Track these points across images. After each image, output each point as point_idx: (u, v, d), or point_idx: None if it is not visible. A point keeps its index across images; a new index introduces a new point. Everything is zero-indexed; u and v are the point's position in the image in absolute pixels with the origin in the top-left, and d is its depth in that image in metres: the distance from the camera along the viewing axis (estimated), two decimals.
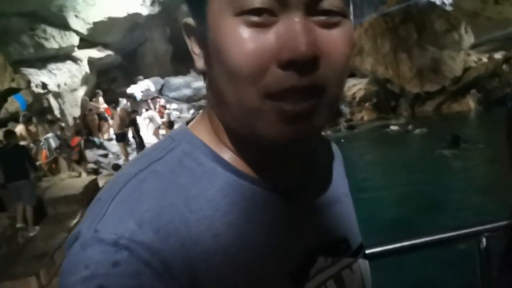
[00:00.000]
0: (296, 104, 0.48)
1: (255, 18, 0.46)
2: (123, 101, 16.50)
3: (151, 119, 14.55)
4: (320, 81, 0.48)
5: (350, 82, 17.63)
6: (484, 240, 1.40)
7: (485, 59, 16.61)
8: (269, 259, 0.53)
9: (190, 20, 0.55)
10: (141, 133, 13.35)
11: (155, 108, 15.86)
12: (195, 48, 0.56)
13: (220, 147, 0.56)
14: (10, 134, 7.64)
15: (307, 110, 0.48)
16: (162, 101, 16.67)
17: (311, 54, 0.46)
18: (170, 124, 14.28)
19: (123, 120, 12.68)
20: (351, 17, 0.52)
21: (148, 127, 14.25)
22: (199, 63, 0.55)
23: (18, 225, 6.54)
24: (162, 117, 15.11)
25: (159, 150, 0.55)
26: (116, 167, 11.60)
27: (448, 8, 19.08)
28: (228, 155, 0.56)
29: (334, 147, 0.75)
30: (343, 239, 0.64)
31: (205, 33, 0.51)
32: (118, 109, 14.02)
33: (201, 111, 0.62)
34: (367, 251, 1.40)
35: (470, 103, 16.19)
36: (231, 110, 0.51)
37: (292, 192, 0.58)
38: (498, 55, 16.65)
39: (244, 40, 0.46)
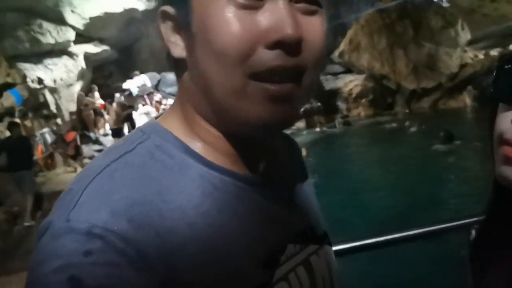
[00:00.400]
0: (280, 85, 0.49)
1: (243, 0, 0.48)
2: (119, 96, 16.46)
3: (147, 114, 14.52)
4: (302, 64, 0.51)
5: (347, 78, 17.67)
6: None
7: (481, 56, 16.67)
8: (241, 247, 0.53)
9: (168, 8, 0.55)
10: None
11: (151, 104, 15.82)
12: (171, 36, 0.56)
13: (192, 139, 0.57)
14: (14, 125, 7.93)
15: (289, 91, 0.50)
16: (157, 96, 16.62)
17: (297, 35, 0.48)
18: None
19: (119, 115, 12.66)
20: (324, 7, 0.54)
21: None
22: (176, 50, 0.56)
23: (26, 223, 6.62)
24: (158, 112, 15.09)
25: (130, 143, 0.55)
26: None
27: (445, 4, 19.10)
28: (199, 147, 0.56)
29: (294, 141, 0.78)
30: (309, 227, 0.66)
31: (188, 18, 0.52)
32: (114, 104, 13.98)
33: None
34: (359, 243, 1.42)
35: (466, 99, 16.26)
36: (214, 93, 0.52)
37: (261, 183, 0.59)
38: (494, 52, 16.69)
39: (232, 21, 0.48)
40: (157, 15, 0.56)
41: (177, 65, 0.58)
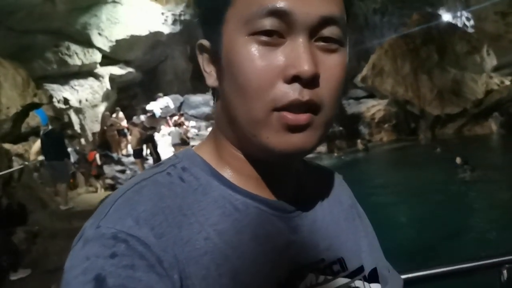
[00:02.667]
0: (297, 115, 0.53)
1: (265, 38, 0.53)
2: (141, 117, 16.69)
3: (170, 134, 14.68)
4: (318, 98, 0.54)
5: (369, 103, 17.56)
6: (505, 272, 1.33)
7: (507, 82, 16.37)
8: (257, 268, 0.56)
9: (204, 41, 0.61)
10: (159, 150, 13.44)
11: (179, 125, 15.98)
12: (206, 67, 0.62)
13: (220, 164, 0.62)
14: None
15: (305, 121, 0.54)
16: (180, 118, 16.73)
17: (312, 71, 0.52)
18: (183, 142, 14.46)
19: (139, 137, 12.81)
20: (347, 47, 0.58)
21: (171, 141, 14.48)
22: (210, 80, 0.61)
23: (63, 207, 7.71)
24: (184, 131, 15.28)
25: (163, 165, 0.61)
26: None
27: (470, 30, 18.97)
28: (226, 172, 0.61)
29: (337, 175, 0.80)
30: (337, 259, 0.65)
31: (218, 51, 0.57)
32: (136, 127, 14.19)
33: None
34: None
35: (492, 126, 15.93)
36: (239, 122, 0.57)
37: (286, 209, 0.62)
38: None
39: (255, 57, 0.53)
40: (196, 47, 0.63)
41: (213, 94, 0.64)
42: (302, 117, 0.53)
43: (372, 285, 0.69)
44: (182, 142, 13.85)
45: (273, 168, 0.62)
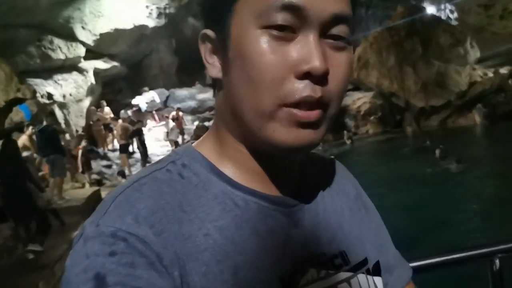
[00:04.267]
0: (308, 112, 0.53)
1: (277, 33, 0.52)
2: (128, 112, 16.55)
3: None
4: (327, 97, 0.55)
5: (355, 95, 17.63)
6: (497, 261, 1.35)
7: (490, 74, 16.57)
8: (258, 264, 0.56)
9: (209, 31, 0.59)
10: (147, 144, 13.35)
11: (159, 119, 15.88)
12: (209, 58, 0.60)
13: (221, 159, 0.62)
14: (50, 114, 9.40)
15: (316, 118, 0.54)
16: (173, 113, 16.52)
17: (324, 68, 0.52)
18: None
19: (126, 131, 12.70)
20: (353, 44, 0.59)
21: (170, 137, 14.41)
22: (213, 71, 0.60)
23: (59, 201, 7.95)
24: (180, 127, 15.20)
25: (162, 162, 0.61)
26: (122, 173, 11.59)
27: (454, 22, 19.16)
28: (227, 167, 0.61)
29: (340, 165, 0.80)
30: (339, 252, 0.65)
31: (226, 42, 0.56)
32: (120, 120, 14.06)
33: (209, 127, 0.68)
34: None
35: (476, 117, 16.10)
36: (245, 114, 0.56)
37: (287, 204, 0.62)
38: (503, 70, 16.61)
39: (267, 51, 0.52)
40: (199, 36, 0.61)
41: (214, 85, 0.63)
42: (313, 114, 0.54)
43: (375, 278, 0.68)
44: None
45: (277, 162, 0.62)
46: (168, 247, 0.51)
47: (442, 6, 20.28)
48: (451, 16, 20.37)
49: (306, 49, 0.52)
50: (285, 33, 0.53)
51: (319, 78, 0.53)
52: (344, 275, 0.63)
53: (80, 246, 0.51)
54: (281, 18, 0.52)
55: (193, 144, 0.65)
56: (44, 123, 8.81)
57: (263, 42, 0.52)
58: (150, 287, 0.48)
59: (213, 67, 0.60)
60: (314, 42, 0.53)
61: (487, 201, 7.93)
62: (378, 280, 0.69)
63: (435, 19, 18.16)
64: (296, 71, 0.52)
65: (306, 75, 0.52)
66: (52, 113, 11.68)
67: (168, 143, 14.87)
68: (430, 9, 20.21)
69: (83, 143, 11.56)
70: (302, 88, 0.52)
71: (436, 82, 16.23)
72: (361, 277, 0.66)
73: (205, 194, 0.57)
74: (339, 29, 0.55)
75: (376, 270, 0.70)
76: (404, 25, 16.72)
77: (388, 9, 20.26)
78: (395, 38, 16.66)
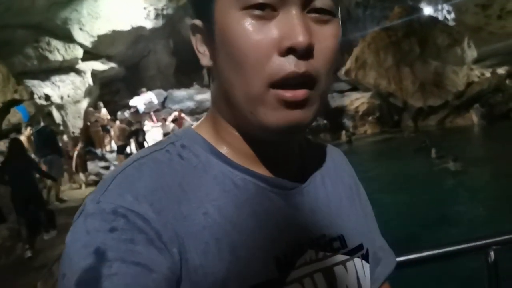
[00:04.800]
0: (295, 91, 0.53)
1: (258, 12, 0.52)
2: (125, 113, 16.51)
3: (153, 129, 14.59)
4: (314, 70, 0.54)
5: (353, 95, 17.65)
6: (492, 253, 1.35)
7: (488, 74, 16.59)
8: (255, 243, 0.56)
9: (197, 21, 0.60)
10: (145, 145, 13.32)
11: (158, 120, 15.85)
12: (200, 47, 0.61)
13: (218, 141, 0.62)
14: (48, 115, 9.58)
15: (303, 97, 0.54)
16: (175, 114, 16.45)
17: (307, 42, 0.52)
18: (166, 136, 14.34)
19: (124, 132, 12.68)
20: (339, 17, 0.58)
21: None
22: (204, 60, 0.61)
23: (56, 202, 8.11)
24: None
25: (162, 143, 0.62)
26: None
27: (451, 23, 19.19)
28: (225, 149, 0.62)
29: (341, 154, 0.81)
30: (338, 236, 0.66)
31: (212, 29, 0.57)
32: (117, 121, 14.03)
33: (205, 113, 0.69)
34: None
35: (474, 117, 16.13)
36: (236, 100, 0.56)
37: (285, 186, 0.63)
38: (501, 70, 16.63)
39: (249, 31, 0.53)
40: (189, 27, 0.62)
41: (209, 74, 0.64)
42: (300, 93, 0.53)
43: (366, 264, 0.70)
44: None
45: (271, 146, 0.62)
46: (167, 225, 0.52)
47: (439, 7, 20.32)
48: (448, 16, 20.41)
49: (287, 25, 0.52)
50: (266, 11, 0.52)
51: (303, 53, 0.52)
52: (340, 257, 0.64)
53: (81, 223, 0.52)
54: None
55: (192, 127, 0.66)
56: (42, 124, 8.94)
57: (245, 23, 0.53)
58: (149, 263, 0.49)
59: (204, 56, 0.61)
60: (296, 17, 0.52)
61: (486, 200, 7.93)
62: (367, 266, 0.70)
63: (432, 19, 18.20)
64: (279, 48, 0.52)
65: (289, 51, 0.52)
66: (50, 114, 11.69)
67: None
68: (427, 10, 20.24)
69: (80, 144, 11.54)
70: (286, 65, 0.52)
71: (434, 82, 16.26)
72: (357, 261, 0.67)
73: (204, 175, 0.58)
74: (322, 2, 0.54)
75: (366, 257, 0.71)
76: (402, 26, 16.76)
77: (385, 10, 20.29)
78: (392, 39, 16.69)
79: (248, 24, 0.53)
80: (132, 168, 0.56)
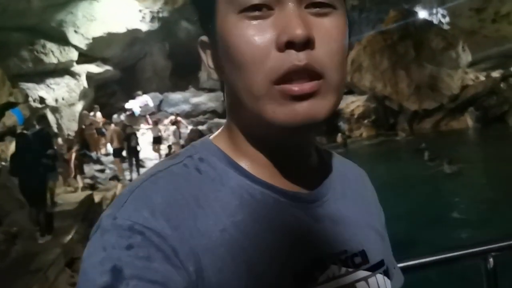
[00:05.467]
0: (301, 84, 0.52)
1: (254, 13, 0.53)
2: (121, 116, 16.48)
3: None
4: (317, 63, 0.52)
5: (349, 99, 17.70)
6: (491, 260, 1.35)
7: (482, 77, 16.71)
8: (274, 259, 0.55)
9: (204, 37, 0.61)
10: (139, 148, 13.25)
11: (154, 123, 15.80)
12: (210, 62, 0.62)
13: (237, 154, 0.61)
14: (42, 117, 9.57)
15: (311, 89, 0.52)
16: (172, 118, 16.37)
17: (305, 33, 0.51)
18: (156, 139, 14.29)
19: (119, 135, 12.62)
20: (342, 8, 0.57)
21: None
22: (214, 74, 0.61)
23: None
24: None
25: (180, 156, 0.61)
26: (116, 178, 11.50)
27: (446, 26, 19.29)
28: (243, 162, 0.60)
29: (363, 173, 0.80)
30: (360, 251, 0.64)
31: (216, 40, 0.57)
32: (112, 124, 13.99)
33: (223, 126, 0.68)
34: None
35: (468, 120, 16.23)
36: (244, 103, 0.56)
37: (305, 199, 0.61)
38: (495, 73, 16.75)
39: (247, 32, 0.53)
40: (198, 45, 0.62)
41: (222, 87, 0.64)
42: (307, 85, 0.52)
43: (388, 281, 0.68)
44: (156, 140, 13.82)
45: (288, 154, 0.61)
46: (183, 241, 0.51)
47: (434, 10, 20.43)
48: (442, 20, 20.51)
49: (283, 20, 0.52)
50: (263, 11, 0.53)
51: (302, 46, 0.51)
52: (362, 273, 0.62)
53: (97, 238, 0.52)
54: None
55: (210, 137, 0.65)
56: (37, 127, 8.86)
57: (242, 25, 0.53)
58: (166, 281, 0.48)
59: (214, 71, 0.61)
60: (291, 11, 0.52)
61: (481, 202, 7.97)
62: (389, 283, 0.68)
63: (427, 23, 18.31)
64: (277, 43, 0.52)
65: (288, 46, 0.51)
66: (44, 117, 11.65)
67: (161, 146, 14.82)
68: (422, 13, 20.34)
69: (76, 147, 11.50)
70: (286, 58, 0.52)
71: (429, 85, 16.34)
72: (379, 277, 0.65)
73: (222, 188, 0.57)
74: None
75: (387, 273, 0.69)
76: (397, 29, 16.84)
77: (381, 13, 20.37)
78: (388, 42, 16.76)
79: (245, 25, 0.53)
80: (149, 183, 0.56)
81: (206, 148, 0.62)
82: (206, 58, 0.62)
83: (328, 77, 0.53)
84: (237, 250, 0.53)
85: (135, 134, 13.23)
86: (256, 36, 0.52)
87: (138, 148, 12.93)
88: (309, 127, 0.56)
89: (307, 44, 0.51)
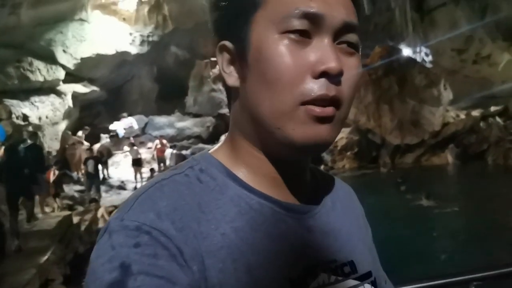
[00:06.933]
0: (324, 108, 0.58)
1: (295, 37, 0.57)
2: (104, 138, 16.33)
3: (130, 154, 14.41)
4: (340, 95, 0.59)
5: None
6: None
7: (463, 116, 17.09)
8: (270, 264, 0.58)
9: (227, 42, 0.64)
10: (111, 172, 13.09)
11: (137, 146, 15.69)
12: (226, 68, 0.65)
13: (236, 165, 0.65)
14: (33, 134, 10.03)
15: (332, 114, 0.58)
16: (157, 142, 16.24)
17: (339, 68, 0.57)
18: (136, 161, 14.12)
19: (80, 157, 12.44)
20: (359, 53, 0.63)
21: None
22: (231, 80, 0.64)
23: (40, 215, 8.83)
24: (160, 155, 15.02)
25: (181, 167, 0.64)
26: (94, 200, 11.27)
27: (428, 65, 19.79)
28: (242, 173, 0.64)
29: (350, 189, 0.85)
30: (349, 261, 0.67)
31: (245, 50, 0.61)
32: (85, 144, 13.87)
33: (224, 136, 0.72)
34: None
35: (448, 157, 16.49)
36: (263, 117, 0.60)
37: (299, 210, 0.65)
38: (475, 113, 17.16)
39: (286, 53, 0.57)
40: (217, 48, 0.65)
41: (229, 94, 0.68)
42: (329, 110, 0.58)
43: None
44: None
45: (290, 167, 0.65)
46: (188, 243, 0.54)
47: (418, 49, 20.99)
48: (426, 58, 21.06)
49: (322, 51, 0.57)
50: (303, 37, 0.58)
51: (334, 78, 0.57)
52: (352, 282, 0.66)
53: (106, 239, 0.54)
54: (299, 24, 0.57)
55: (209, 151, 0.69)
56: (29, 141, 9.05)
57: (283, 45, 0.57)
58: (171, 277, 0.51)
59: (230, 76, 0.64)
60: (329, 45, 0.58)
61: (459, 236, 8.06)
62: None
63: (411, 60, 18.76)
64: (313, 71, 0.57)
65: (322, 75, 0.57)
66: (36, 134, 11.56)
67: (143, 169, 14.70)
68: (406, 51, 20.88)
69: (56, 167, 11.31)
70: (319, 87, 0.57)
71: (411, 120, 16.63)
72: (367, 286, 0.68)
73: (221, 197, 0.60)
74: (349, 36, 0.61)
75: (375, 284, 0.72)
76: (382, 64, 17.21)
77: (366, 48, 20.85)
78: (372, 76, 17.09)
79: (286, 46, 0.57)
80: (154, 189, 0.59)
81: (206, 160, 0.65)
82: (222, 63, 0.65)
83: (343, 109, 0.60)
84: (237, 253, 0.57)
85: (94, 158, 12.68)
86: (295, 59, 0.57)
87: (102, 173, 12.56)
88: (320, 148, 0.62)
89: (338, 77, 0.58)
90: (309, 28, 0.58)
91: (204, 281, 0.54)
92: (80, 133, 15.68)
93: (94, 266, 0.53)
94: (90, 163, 12.18)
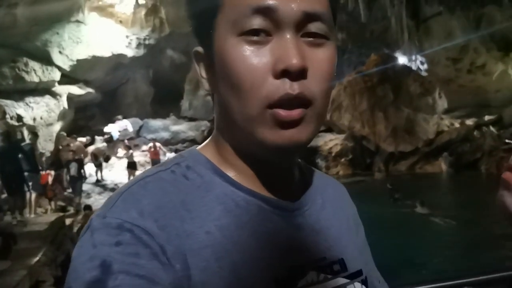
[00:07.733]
0: (289, 111, 0.55)
1: (253, 38, 0.55)
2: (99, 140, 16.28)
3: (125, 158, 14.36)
4: (308, 92, 0.56)
5: (327, 137, 17.92)
6: None
7: (457, 124, 17.20)
8: (255, 263, 0.57)
9: (199, 49, 0.64)
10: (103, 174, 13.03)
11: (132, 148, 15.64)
12: (203, 73, 0.64)
13: (223, 163, 0.64)
14: (33, 134, 10.41)
15: (298, 116, 0.56)
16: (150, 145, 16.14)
17: (300, 64, 0.54)
18: (131, 164, 14.04)
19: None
20: (334, 40, 0.60)
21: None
22: (206, 85, 0.64)
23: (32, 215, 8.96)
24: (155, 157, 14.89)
25: (167, 163, 0.63)
26: (87, 208, 11.11)
27: (423, 73, 19.93)
28: (229, 171, 0.63)
29: (343, 187, 0.84)
30: (339, 260, 0.66)
31: (212, 55, 0.60)
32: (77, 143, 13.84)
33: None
34: None
35: (442, 165, 16.57)
36: (236, 121, 0.59)
37: (287, 207, 0.64)
38: (469, 121, 17.29)
39: (245, 56, 0.55)
40: (192, 55, 0.65)
41: (212, 99, 0.67)
42: (295, 113, 0.55)
43: None
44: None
45: (273, 167, 0.63)
46: (170, 241, 0.53)
47: (413, 57, 21.13)
48: (421, 67, 21.21)
49: (281, 49, 0.55)
50: (261, 37, 0.55)
51: (296, 75, 0.54)
52: (341, 280, 0.65)
53: (87, 237, 0.53)
54: (255, 22, 0.55)
55: (197, 148, 0.67)
56: (28, 141, 9.25)
57: (241, 48, 0.55)
58: (152, 277, 0.50)
59: (206, 81, 0.64)
60: (289, 41, 0.55)
61: (452, 243, 8.09)
62: None
63: (406, 68, 18.89)
64: (274, 71, 0.55)
65: (283, 74, 0.54)
66: (36, 134, 11.58)
67: (137, 172, 14.64)
68: (402, 59, 21.01)
69: (51, 168, 11.26)
70: (281, 87, 0.55)
71: (406, 128, 16.72)
72: (357, 285, 0.67)
73: (207, 195, 0.59)
74: (315, 26, 0.57)
75: (365, 283, 0.71)
76: (377, 72, 17.31)
77: (362, 56, 20.97)
78: (368, 84, 17.19)
79: (244, 49, 0.55)
80: (138, 186, 0.58)
81: (193, 157, 0.64)
82: (199, 69, 0.65)
83: (315, 105, 0.57)
84: (222, 252, 0.55)
85: (77, 161, 12.05)
86: (254, 61, 0.55)
87: (96, 176, 12.42)
88: (293, 150, 0.61)
89: (301, 74, 0.55)
90: (265, 25, 0.55)
91: (187, 279, 0.53)
92: (83, 139, 15.68)
93: (75, 264, 0.52)
94: (73, 166, 11.67)
